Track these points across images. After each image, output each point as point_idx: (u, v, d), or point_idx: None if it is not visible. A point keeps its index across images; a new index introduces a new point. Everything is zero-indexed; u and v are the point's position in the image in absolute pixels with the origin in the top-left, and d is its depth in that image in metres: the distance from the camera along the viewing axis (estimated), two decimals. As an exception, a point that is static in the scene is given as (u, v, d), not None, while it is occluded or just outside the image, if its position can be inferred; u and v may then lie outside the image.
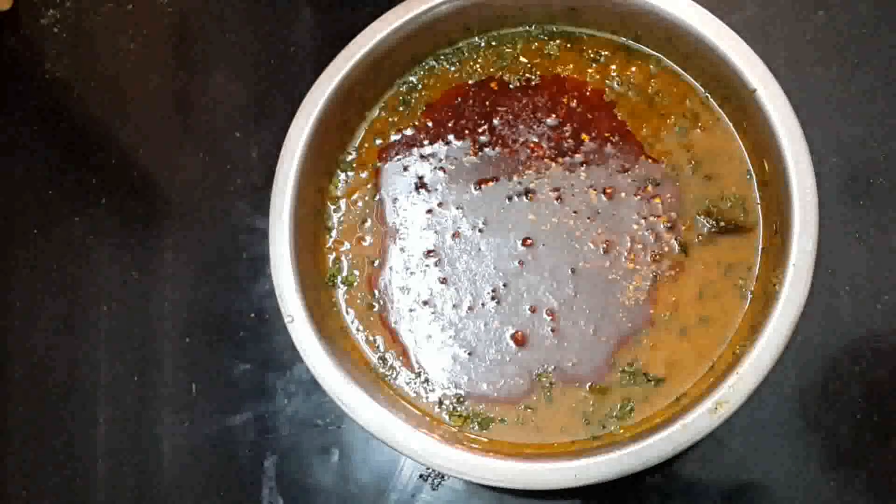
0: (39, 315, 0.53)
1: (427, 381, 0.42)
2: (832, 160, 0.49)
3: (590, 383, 0.41)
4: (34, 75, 0.58)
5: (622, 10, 0.43)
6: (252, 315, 0.51)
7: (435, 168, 0.45)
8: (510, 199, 0.44)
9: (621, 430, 0.40)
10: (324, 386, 0.39)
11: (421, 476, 0.47)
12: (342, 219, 0.45)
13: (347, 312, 0.43)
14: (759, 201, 0.42)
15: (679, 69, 0.45)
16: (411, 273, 0.43)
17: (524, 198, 0.44)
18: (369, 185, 0.45)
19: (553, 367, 0.41)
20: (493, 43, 0.46)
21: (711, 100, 0.44)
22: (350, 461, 0.48)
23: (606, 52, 0.46)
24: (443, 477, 0.47)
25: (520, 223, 0.43)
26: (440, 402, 0.41)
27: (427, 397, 0.42)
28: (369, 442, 0.48)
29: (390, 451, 0.45)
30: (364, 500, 0.47)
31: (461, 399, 0.41)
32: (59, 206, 0.55)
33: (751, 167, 0.42)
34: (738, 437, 0.45)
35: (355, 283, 0.44)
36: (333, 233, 0.45)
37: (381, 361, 0.42)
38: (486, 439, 0.40)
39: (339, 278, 0.44)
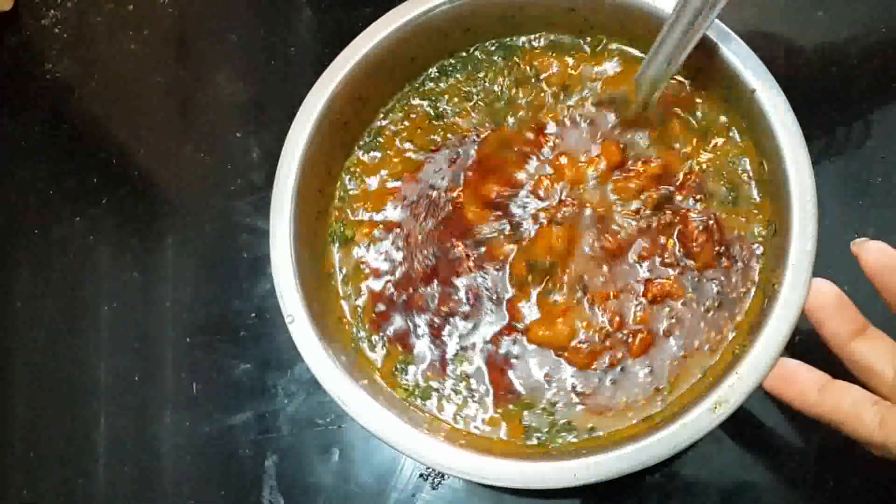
0: (40, 315, 0.53)
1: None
2: (832, 160, 0.49)
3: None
4: (35, 75, 0.58)
5: (621, 11, 0.43)
6: (252, 315, 0.51)
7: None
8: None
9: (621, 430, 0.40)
10: (324, 386, 0.38)
11: (421, 475, 0.47)
12: (343, 218, 0.45)
13: (348, 312, 0.43)
14: (758, 201, 0.42)
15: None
16: (412, 273, 0.43)
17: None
18: (370, 186, 0.45)
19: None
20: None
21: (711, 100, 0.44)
22: (350, 461, 0.48)
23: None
24: (443, 476, 0.47)
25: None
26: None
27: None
28: (369, 442, 0.48)
29: (390, 451, 0.45)
30: (364, 499, 0.47)
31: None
32: (59, 206, 0.55)
33: (750, 167, 0.42)
34: (737, 437, 0.45)
35: (356, 283, 0.44)
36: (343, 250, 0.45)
37: (381, 361, 0.42)
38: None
39: (340, 278, 0.44)
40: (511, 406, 0.40)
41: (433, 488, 0.47)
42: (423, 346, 0.42)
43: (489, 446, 0.39)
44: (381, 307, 0.43)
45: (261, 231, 0.52)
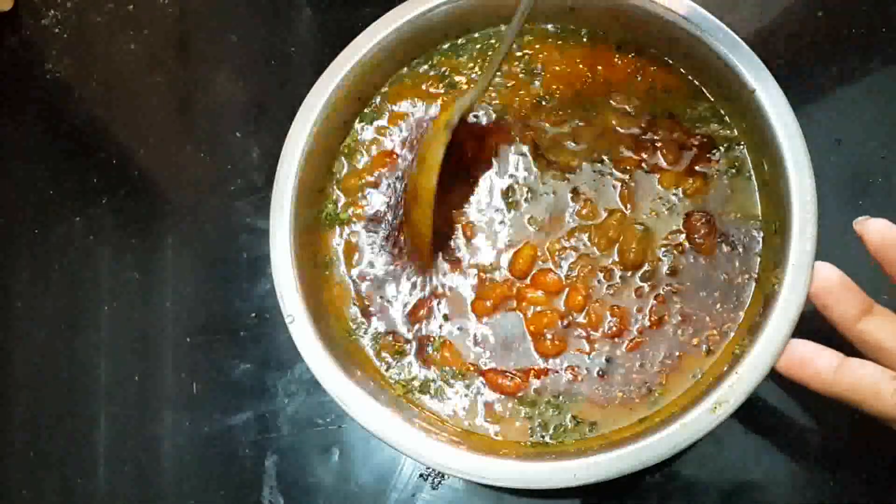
0: (40, 315, 0.53)
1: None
2: (832, 160, 0.49)
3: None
4: (35, 75, 0.58)
5: (621, 11, 0.43)
6: (252, 315, 0.51)
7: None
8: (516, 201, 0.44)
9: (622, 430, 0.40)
10: (324, 386, 0.39)
11: (421, 475, 0.47)
12: (343, 218, 0.45)
13: (348, 312, 0.43)
14: (759, 201, 0.42)
15: (679, 69, 0.44)
16: (412, 273, 0.43)
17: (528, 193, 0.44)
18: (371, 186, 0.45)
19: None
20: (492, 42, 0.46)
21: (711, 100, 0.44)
22: (350, 461, 0.48)
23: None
24: (443, 476, 0.47)
25: (530, 224, 0.43)
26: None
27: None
28: (369, 442, 0.48)
29: (390, 451, 0.45)
30: (364, 499, 0.47)
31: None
32: (59, 206, 0.55)
33: (751, 167, 0.42)
34: (737, 437, 0.45)
35: (356, 283, 0.44)
36: (334, 232, 0.45)
37: (381, 360, 0.42)
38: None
39: (332, 262, 0.44)
40: (508, 398, 0.41)
41: (433, 488, 0.47)
42: (408, 330, 0.42)
43: (492, 445, 0.39)
44: (372, 288, 0.43)
45: (261, 231, 0.52)
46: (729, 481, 0.45)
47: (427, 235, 0.41)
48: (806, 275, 0.36)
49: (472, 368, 0.41)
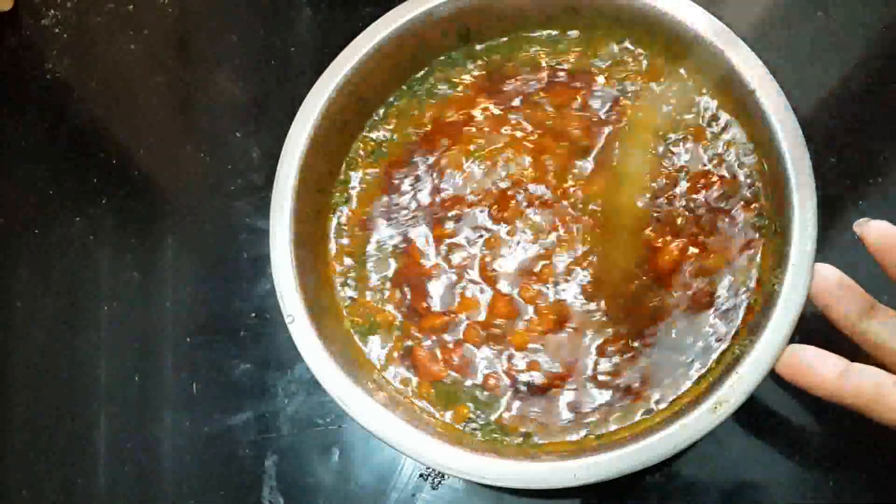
0: (40, 315, 0.53)
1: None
2: (832, 160, 0.49)
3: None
4: (35, 76, 0.58)
5: (620, 10, 0.43)
6: (252, 315, 0.51)
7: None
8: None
9: (621, 430, 0.40)
10: (324, 386, 0.39)
11: (421, 475, 0.47)
12: (343, 218, 0.45)
13: (348, 312, 0.43)
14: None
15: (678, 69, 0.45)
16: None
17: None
18: (372, 185, 0.45)
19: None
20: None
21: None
22: (350, 461, 0.48)
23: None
24: (443, 476, 0.47)
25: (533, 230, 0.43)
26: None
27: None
28: (369, 442, 0.48)
29: (390, 451, 0.45)
30: (364, 499, 0.47)
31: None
32: (59, 206, 0.55)
33: (753, 167, 0.42)
34: (738, 437, 0.45)
35: (356, 283, 0.44)
36: (334, 232, 0.45)
37: (381, 360, 0.42)
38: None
39: (340, 277, 0.44)
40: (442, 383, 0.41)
41: (433, 488, 0.47)
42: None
43: (434, 424, 0.40)
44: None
45: (261, 231, 0.52)
46: (729, 481, 0.45)
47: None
48: (806, 275, 0.36)
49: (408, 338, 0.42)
